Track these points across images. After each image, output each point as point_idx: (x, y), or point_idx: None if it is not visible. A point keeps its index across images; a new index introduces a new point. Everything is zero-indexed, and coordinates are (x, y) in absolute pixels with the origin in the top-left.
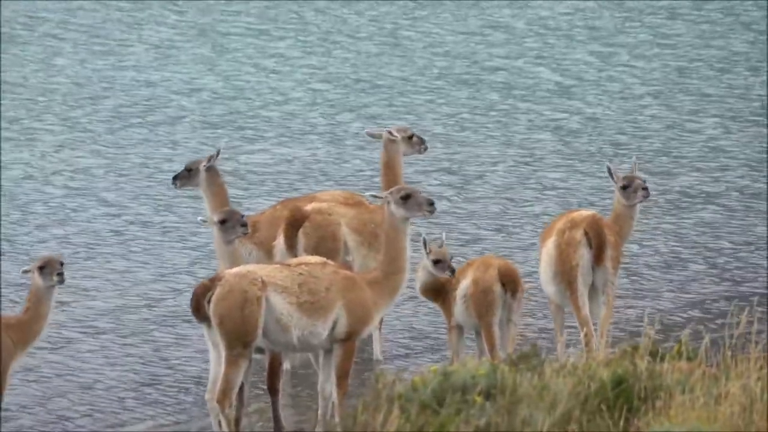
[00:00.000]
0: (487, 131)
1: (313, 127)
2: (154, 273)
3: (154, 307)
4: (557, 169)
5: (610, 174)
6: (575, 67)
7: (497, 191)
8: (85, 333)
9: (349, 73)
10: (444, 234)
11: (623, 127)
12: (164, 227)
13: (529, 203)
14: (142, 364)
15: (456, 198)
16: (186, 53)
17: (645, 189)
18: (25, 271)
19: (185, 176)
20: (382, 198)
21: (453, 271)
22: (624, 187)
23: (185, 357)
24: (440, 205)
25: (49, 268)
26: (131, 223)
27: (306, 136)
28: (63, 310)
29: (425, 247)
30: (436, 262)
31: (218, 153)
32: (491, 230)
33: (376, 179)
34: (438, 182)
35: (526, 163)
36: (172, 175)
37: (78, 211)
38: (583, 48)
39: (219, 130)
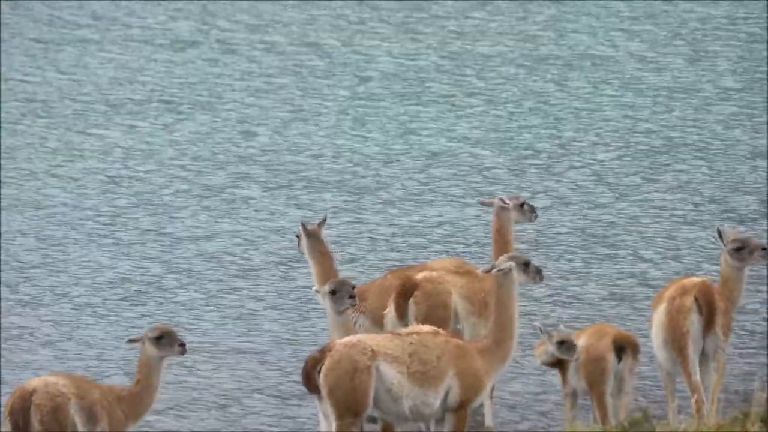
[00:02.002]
0: (684, 191)
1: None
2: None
3: None
4: (759, 229)
5: (720, 236)
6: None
7: (703, 253)
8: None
9: (531, 140)
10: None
11: None
12: None
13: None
14: None
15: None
16: (379, 120)
17: (765, 249)
18: (132, 341)
19: (298, 241)
20: (505, 267)
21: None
22: (738, 249)
23: None
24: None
25: (168, 339)
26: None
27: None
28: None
29: (543, 334)
30: (561, 343)
31: (325, 219)
32: None
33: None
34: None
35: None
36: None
37: (266, 272)
38: None
39: (425, 197)
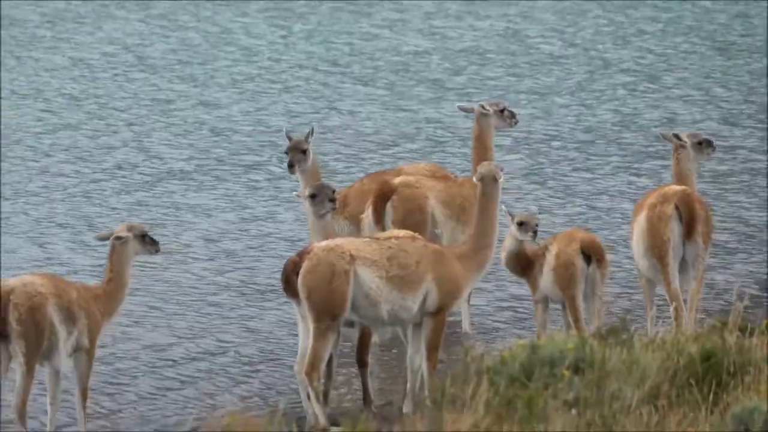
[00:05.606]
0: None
1: None
2: None
3: None
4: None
5: (673, 137)
6: None
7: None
8: None
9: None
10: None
11: None
12: None
13: None
14: None
15: None
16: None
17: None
18: (102, 238)
19: (301, 159)
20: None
21: (536, 233)
22: (700, 143)
23: None
24: None
25: (149, 237)
26: None
27: None
28: None
29: (509, 216)
30: (521, 224)
31: (312, 131)
32: None
33: None
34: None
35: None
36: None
37: None
38: None
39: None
